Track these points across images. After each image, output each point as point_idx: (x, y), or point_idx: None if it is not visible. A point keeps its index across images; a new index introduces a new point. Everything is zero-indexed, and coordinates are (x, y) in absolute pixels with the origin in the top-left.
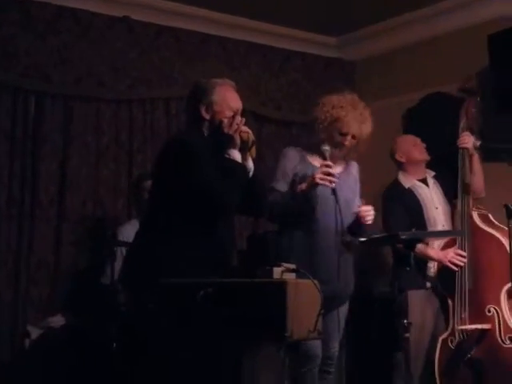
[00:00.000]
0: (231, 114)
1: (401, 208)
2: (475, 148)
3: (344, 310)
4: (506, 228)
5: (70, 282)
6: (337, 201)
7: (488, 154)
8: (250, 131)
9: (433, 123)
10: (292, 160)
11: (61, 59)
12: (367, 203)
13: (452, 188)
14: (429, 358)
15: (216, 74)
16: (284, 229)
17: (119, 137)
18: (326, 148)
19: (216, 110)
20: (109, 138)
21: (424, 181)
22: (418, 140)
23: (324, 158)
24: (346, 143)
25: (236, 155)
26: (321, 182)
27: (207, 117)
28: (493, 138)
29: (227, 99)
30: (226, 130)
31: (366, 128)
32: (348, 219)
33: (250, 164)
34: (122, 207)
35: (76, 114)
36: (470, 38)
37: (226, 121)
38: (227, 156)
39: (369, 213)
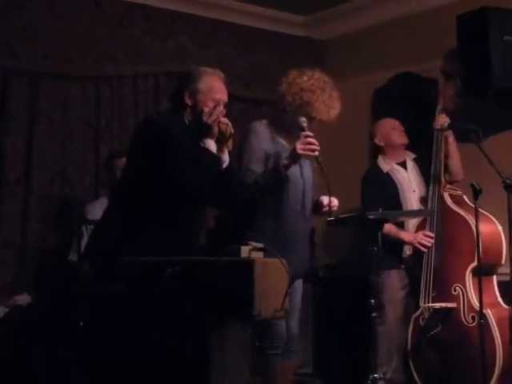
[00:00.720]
0: (214, 104)
1: (377, 192)
2: (443, 128)
3: (301, 285)
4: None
5: (37, 260)
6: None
7: (456, 133)
8: (230, 123)
9: (401, 103)
10: (263, 138)
11: (27, 35)
12: (338, 185)
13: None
14: (401, 338)
15: (184, 52)
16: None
17: (86, 114)
18: (303, 119)
19: (199, 98)
20: (76, 115)
21: (403, 164)
22: (397, 123)
23: (302, 130)
24: (313, 126)
25: (211, 145)
26: (303, 152)
27: (189, 103)
28: (461, 118)
29: (213, 90)
30: (205, 119)
31: (335, 111)
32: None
33: (226, 156)
34: (89, 185)
35: (42, 90)
36: (441, 18)
37: (206, 110)
38: (202, 145)
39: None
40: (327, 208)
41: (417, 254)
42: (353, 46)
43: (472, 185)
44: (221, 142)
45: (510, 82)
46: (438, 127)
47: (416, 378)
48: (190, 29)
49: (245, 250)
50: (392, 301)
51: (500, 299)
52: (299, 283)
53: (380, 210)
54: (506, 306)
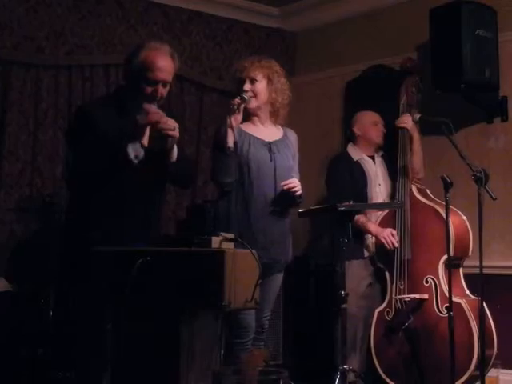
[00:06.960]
0: (150, 87)
1: (346, 177)
2: (414, 121)
3: (280, 277)
4: (443, 202)
5: (7, 249)
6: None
7: (427, 127)
8: (176, 134)
9: (373, 96)
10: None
11: None
12: (311, 174)
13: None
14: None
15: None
16: (221, 196)
17: (58, 103)
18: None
19: (133, 77)
20: (47, 104)
21: (371, 158)
22: (380, 120)
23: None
24: (248, 88)
25: (129, 149)
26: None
27: (126, 83)
28: (432, 111)
29: (146, 68)
30: (140, 122)
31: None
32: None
33: (173, 155)
34: (60, 175)
35: (14, 79)
36: (414, 11)
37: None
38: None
39: (294, 187)
40: (287, 187)
41: (381, 244)
42: (325, 38)
43: (443, 177)
44: (162, 149)
45: (481, 76)
46: (403, 125)
47: (380, 371)
48: (163, 18)
49: (215, 241)
50: (353, 290)
51: (468, 291)
52: (279, 276)
53: (351, 201)
54: (474, 297)
